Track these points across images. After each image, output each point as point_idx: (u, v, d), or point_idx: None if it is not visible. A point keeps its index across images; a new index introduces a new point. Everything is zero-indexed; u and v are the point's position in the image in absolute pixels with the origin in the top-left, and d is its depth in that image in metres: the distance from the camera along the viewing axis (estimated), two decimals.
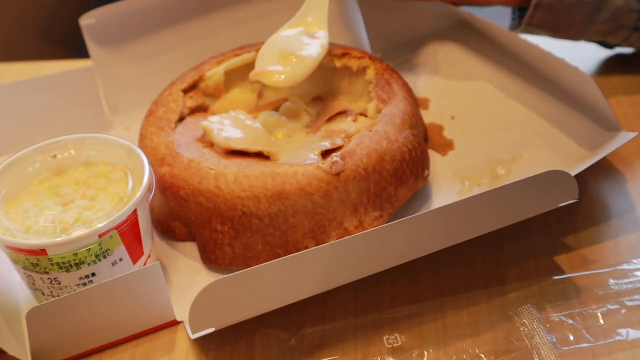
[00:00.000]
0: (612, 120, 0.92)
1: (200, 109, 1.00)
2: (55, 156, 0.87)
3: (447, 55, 1.15)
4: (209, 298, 0.74)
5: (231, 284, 0.74)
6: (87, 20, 1.06)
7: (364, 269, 0.79)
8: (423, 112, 1.05)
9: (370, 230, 0.77)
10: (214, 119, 0.95)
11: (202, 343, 0.81)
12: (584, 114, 0.98)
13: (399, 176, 0.88)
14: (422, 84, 1.11)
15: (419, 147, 0.91)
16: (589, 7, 1.01)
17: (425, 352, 0.78)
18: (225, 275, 0.74)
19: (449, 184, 0.96)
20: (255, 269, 0.74)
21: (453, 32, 1.16)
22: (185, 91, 0.99)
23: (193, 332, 0.76)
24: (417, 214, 0.77)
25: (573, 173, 0.82)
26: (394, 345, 0.79)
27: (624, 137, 0.90)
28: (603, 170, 0.96)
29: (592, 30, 1.04)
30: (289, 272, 0.76)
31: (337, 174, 0.85)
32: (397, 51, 1.17)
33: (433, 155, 0.99)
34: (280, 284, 0.76)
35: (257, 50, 1.02)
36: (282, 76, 0.94)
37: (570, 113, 1.00)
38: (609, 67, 1.11)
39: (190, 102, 0.99)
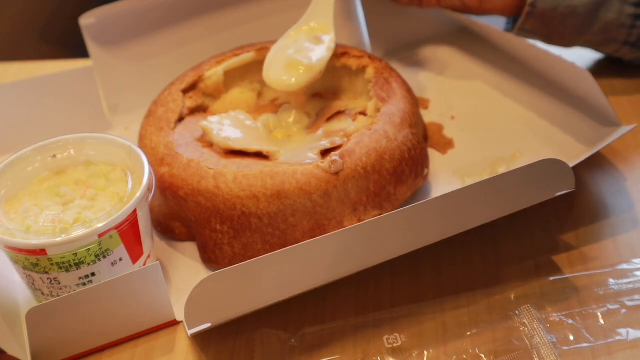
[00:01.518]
0: (611, 116, 0.92)
1: (200, 109, 1.00)
2: (55, 156, 0.87)
3: (446, 56, 1.15)
4: (204, 293, 0.74)
5: (227, 279, 0.74)
6: (87, 20, 1.06)
7: (362, 261, 0.78)
8: (423, 112, 1.05)
9: (367, 221, 0.76)
10: (213, 119, 0.95)
11: (202, 343, 0.81)
12: (582, 111, 0.98)
13: (399, 175, 0.88)
14: (422, 84, 1.11)
15: (418, 146, 0.91)
16: (581, 19, 1.02)
17: (425, 352, 0.78)
18: (221, 270, 0.74)
19: (448, 183, 0.96)
20: (251, 263, 0.74)
21: (453, 36, 1.17)
22: (185, 91, 0.99)
23: (189, 328, 0.76)
24: (414, 204, 0.77)
25: (572, 165, 0.83)
26: (394, 345, 0.79)
27: (623, 130, 0.90)
28: (603, 169, 0.96)
29: (584, 41, 1.06)
30: (286, 266, 0.76)
31: (337, 173, 0.85)
32: (397, 52, 1.17)
33: (433, 154, 0.99)
34: (277, 278, 0.76)
35: (257, 50, 1.02)
36: (293, 79, 0.96)
37: (568, 111, 1.00)
38: (608, 67, 1.11)
39: (190, 102, 0.99)
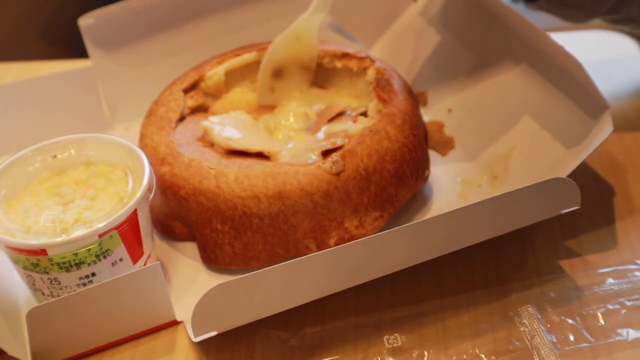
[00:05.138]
0: (600, 100, 0.90)
1: (200, 109, 1.00)
2: (55, 156, 0.87)
3: (436, 42, 1.12)
4: (211, 302, 0.74)
5: (234, 288, 0.74)
6: (86, 21, 1.06)
7: (365, 274, 0.78)
8: (422, 110, 1.04)
9: (372, 236, 0.77)
10: (214, 119, 0.95)
11: (202, 343, 0.81)
12: (572, 96, 0.95)
13: (400, 176, 0.88)
14: (417, 76, 1.10)
15: (419, 147, 0.91)
16: None
17: (426, 353, 0.78)
18: (228, 280, 0.74)
19: (449, 185, 0.96)
20: (258, 274, 0.74)
21: (436, 10, 1.13)
22: (186, 91, 0.99)
23: (196, 336, 0.76)
24: (419, 221, 0.77)
25: (569, 170, 0.82)
26: (394, 345, 0.79)
27: (607, 129, 0.87)
28: (603, 170, 0.96)
29: (601, 12, 1.00)
30: (292, 277, 0.76)
31: (338, 174, 0.85)
32: (383, 42, 1.16)
33: (433, 155, 0.99)
34: (283, 289, 0.76)
35: (258, 51, 1.02)
36: None
37: (560, 97, 0.96)
38: (610, 69, 1.11)
39: (191, 101, 0.99)
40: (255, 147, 0.91)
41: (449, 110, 1.05)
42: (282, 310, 0.77)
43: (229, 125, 0.94)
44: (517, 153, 0.96)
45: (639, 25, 1.02)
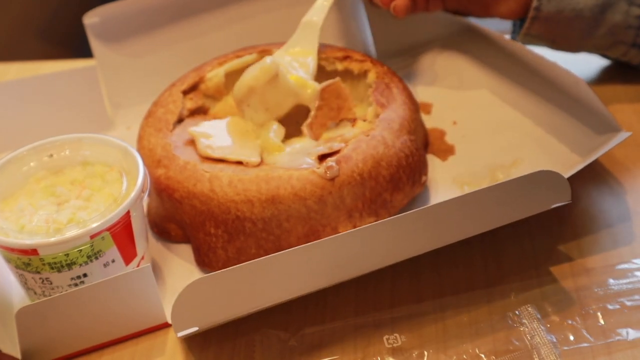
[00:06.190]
0: (611, 121, 0.92)
1: (200, 111, 0.99)
2: (51, 155, 0.87)
3: (451, 59, 1.14)
4: (192, 296, 0.73)
5: (215, 282, 0.74)
6: (90, 19, 1.06)
7: (356, 269, 0.78)
8: (425, 117, 1.04)
9: (360, 227, 0.75)
10: (207, 123, 0.94)
11: (202, 343, 0.81)
12: (583, 117, 0.97)
13: (395, 182, 0.88)
14: (425, 88, 1.10)
15: (416, 152, 0.90)
16: (586, 22, 1.01)
17: (425, 352, 0.78)
18: (209, 274, 0.73)
19: (447, 190, 0.95)
20: (240, 268, 0.73)
21: (457, 38, 1.15)
22: (186, 92, 0.99)
23: (176, 332, 0.75)
24: (408, 212, 0.76)
25: (575, 170, 0.82)
26: (394, 345, 0.79)
27: (620, 137, 0.89)
28: (603, 171, 0.96)
29: (591, 44, 1.04)
30: (276, 271, 0.75)
31: (332, 179, 0.84)
32: (401, 55, 1.16)
33: (433, 160, 0.99)
34: (267, 283, 0.75)
35: (259, 52, 1.02)
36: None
37: (570, 117, 0.98)
38: (612, 75, 1.11)
39: (190, 103, 0.98)
40: (232, 156, 0.89)
41: (454, 123, 1.04)
42: (267, 306, 0.77)
43: (220, 131, 0.93)
44: (521, 164, 0.96)
45: (627, 48, 1.03)
